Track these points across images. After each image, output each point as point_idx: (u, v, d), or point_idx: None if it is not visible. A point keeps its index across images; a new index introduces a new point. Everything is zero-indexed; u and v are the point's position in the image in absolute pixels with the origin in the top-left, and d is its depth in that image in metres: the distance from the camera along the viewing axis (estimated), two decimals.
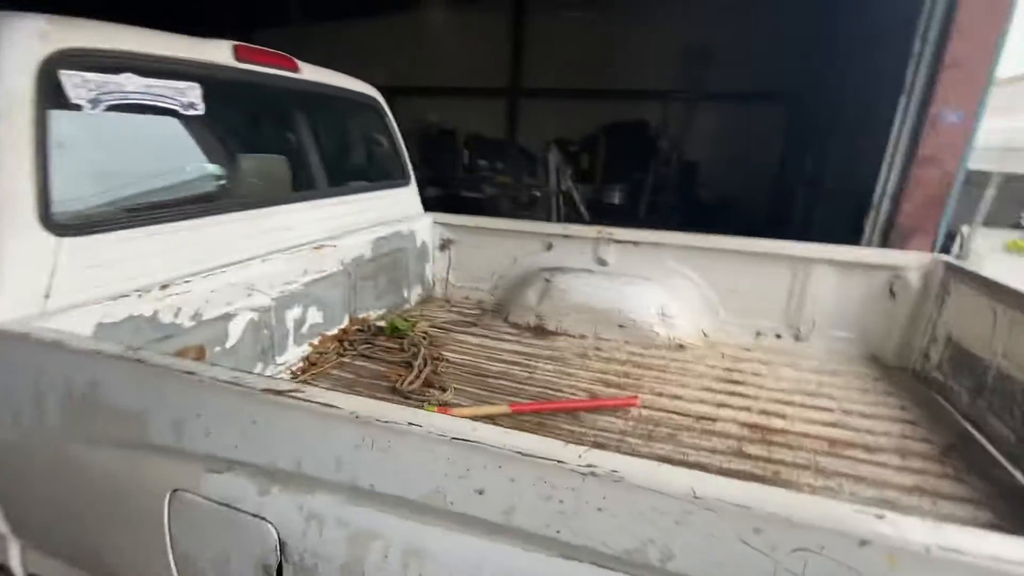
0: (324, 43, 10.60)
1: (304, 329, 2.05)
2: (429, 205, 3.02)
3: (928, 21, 3.06)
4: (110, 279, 1.34)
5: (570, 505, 0.67)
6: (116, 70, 1.38)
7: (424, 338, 2.35)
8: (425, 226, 2.83)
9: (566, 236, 2.69)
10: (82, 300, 1.26)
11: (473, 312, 2.78)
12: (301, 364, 2.03)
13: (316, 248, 2.06)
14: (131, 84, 1.40)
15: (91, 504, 1.01)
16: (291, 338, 1.98)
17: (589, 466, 0.67)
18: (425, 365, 2.11)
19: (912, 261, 2.19)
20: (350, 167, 2.53)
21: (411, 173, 2.82)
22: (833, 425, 1.80)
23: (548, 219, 6.55)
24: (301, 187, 2.18)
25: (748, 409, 1.88)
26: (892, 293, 2.24)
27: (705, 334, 2.47)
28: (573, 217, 6.80)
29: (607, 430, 1.73)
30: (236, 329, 1.70)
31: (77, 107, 1.28)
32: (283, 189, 2.10)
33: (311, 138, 2.29)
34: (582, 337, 2.46)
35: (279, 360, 1.92)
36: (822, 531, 0.59)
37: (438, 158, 9.53)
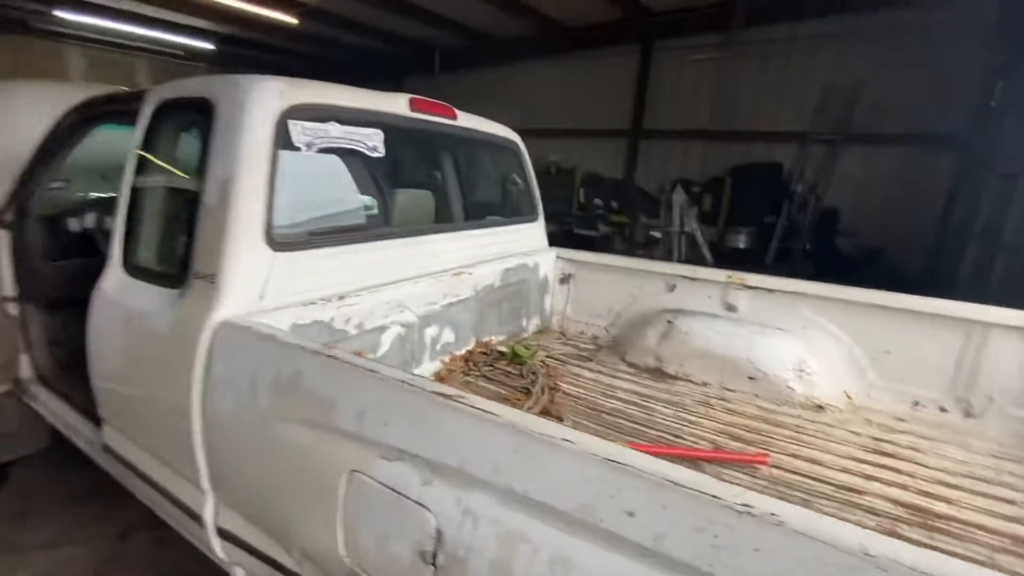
0: (460, 90, 11.69)
1: (438, 346, 2.25)
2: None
3: None
4: (303, 288, 1.63)
5: (725, 540, 0.68)
6: (324, 119, 1.71)
7: (543, 367, 2.43)
8: (548, 260, 2.95)
9: (692, 279, 2.64)
10: (284, 303, 1.54)
11: (588, 347, 2.82)
12: (432, 378, 2.22)
13: (455, 274, 2.27)
14: (335, 131, 1.71)
15: (281, 473, 1.21)
16: (427, 353, 2.18)
17: (745, 505, 0.68)
18: (543, 393, 2.18)
19: None
20: (488, 202, 2.76)
21: (540, 210, 2.99)
22: (1018, 521, 1.52)
23: (668, 260, 6.41)
24: (445, 219, 2.44)
25: (903, 486, 1.67)
26: None
27: (849, 397, 2.24)
28: (695, 259, 6.57)
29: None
30: (387, 340, 1.92)
31: (297, 149, 1.61)
32: (430, 220, 2.37)
33: (457, 176, 2.57)
34: (705, 385, 2.37)
35: (416, 372, 2.13)
36: None
37: (554, 196, 9.87)
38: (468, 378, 2.31)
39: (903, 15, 6.57)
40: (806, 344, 2.31)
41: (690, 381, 2.41)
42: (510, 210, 2.82)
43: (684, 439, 1.93)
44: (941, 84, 6.40)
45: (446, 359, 2.33)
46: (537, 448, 0.84)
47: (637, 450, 1.76)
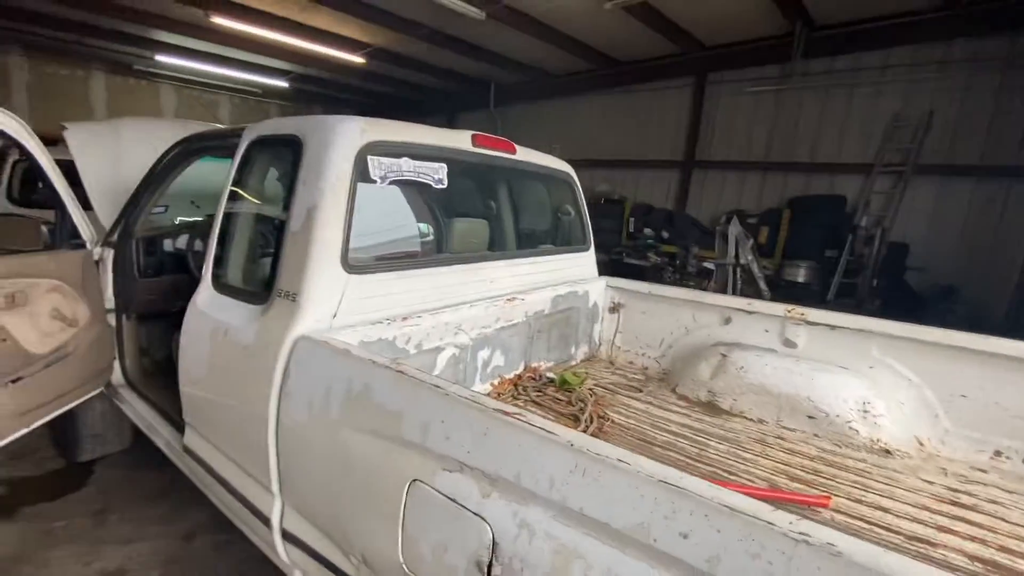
0: (513, 123, 12.11)
1: (489, 369, 2.32)
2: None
3: None
4: (370, 308, 1.75)
5: (780, 568, 0.69)
6: (398, 155, 1.86)
7: (591, 395, 2.45)
8: (598, 288, 2.99)
9: (748, 312, 2.60)
10: (354, 322, 1.66)
11: (638, 377, 2.80)
12: None
13: (508, 300, 2.35)
14: (406, 165, 1.86)
15: (347, 479, 1.30)
16: (479, 375, 2.26)
17: (802, 534, 0.69)
18: (591, 422, 2.19)
19: None
20: (541, 231, 2.85)
21: (591, 239, 3.05)
22: None
23: (722, 292, 6.26)
24: (500, 247, 2.54)
25: (982, 541, 1.55)
26: None
27: (921, 443, 2.11)
28: (751, 293, 6.38)
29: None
30: (442, 360, 2.02)
31: (373, 181, 1.76)
32: (485, 247, 2.47)
33: (512, 206, 2.67)
34: (761, 422, 2.30)
35: None
36: None
37: (603, 226, 9.91)
38: (517, 402, 2.35)
39: (978, 43, 6.29)
40: (871, 384, 2.20)
41: (745, 418, 2.34)
42: (562, 239, 2.90)
43: (738, 476, 1.88)
44: (1020, 114, 6.03)
45: (496, 381, 2.40)
46: (593, 467, 0.88)
47: None
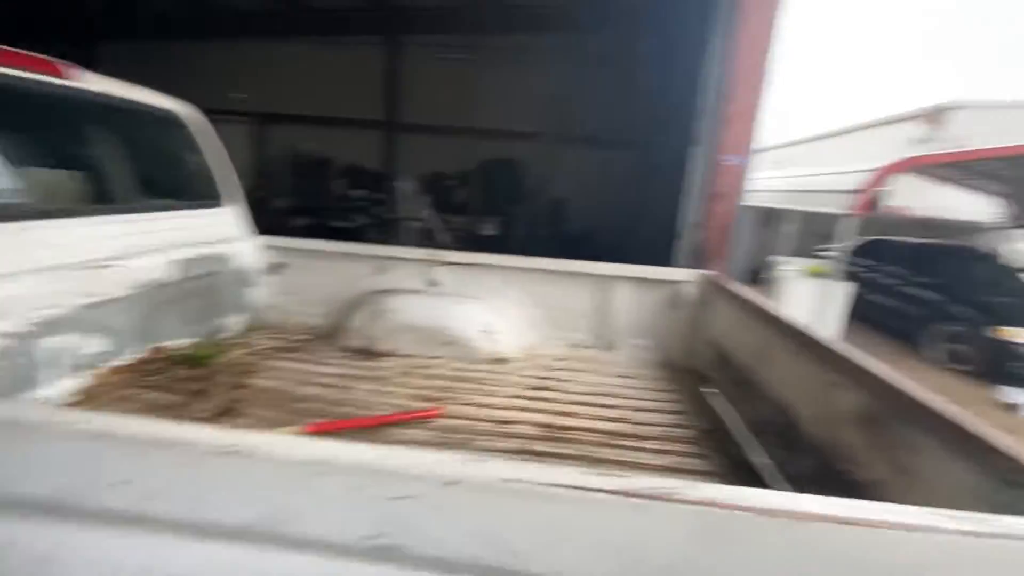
0: (178, 63, 9.92)
1: (79, 359, 1.84)
2: (296, 234, 2.94)
3: (708, 90, 3.75)
4: None
5: (192, 488, 0.68)
6: None
7: (233, 366, 2.22)
8: (247, 249, 2.71)
9: (399, 259, 2.75)
10: None
11: (303, 338, 2.69)
12: (75, 398, 1.81)
13: (95, 268, 1.88)
14: None
15: None
16: (56, 370, 1.76)
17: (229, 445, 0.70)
18: (226, 392, 1.99)
19: (687, 276, 2.58)
20: (145, 185, 2.31)
21: (230, 193, 2.69)
22: (616, 420, 2.01)
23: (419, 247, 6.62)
24: (78, 201, 1.98)
25: (545, 411, 2.04)
26: (674, 305, 2.60)
27: (527, 347, 2.65)
28: (439, 246, 6.93)
29: (404, 441, 1.76)
30: None
31: None
32: (50, 203, 1.89)
33: (89, 151, 2.09)
34: (411, 357, 2.50)
35: (37, 394, 1.70)
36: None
37: (310, 187, 9.25)
38: (130, 390, 1.95)
39: (606, 42, 8.07)
40: (493, 308, 2.63)
41: (398, 356, 2.51)
42: (182, 193, 2.45)
43: (375, 410, 1.99)
44: (627, 97, 8.11)
45: (99, 372, 1.93)
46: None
47: (315, 430, 1.75)
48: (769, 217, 9.49)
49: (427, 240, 6.89)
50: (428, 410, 1.90)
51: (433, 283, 2.71)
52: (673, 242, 4.05)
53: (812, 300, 5.95)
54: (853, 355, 1.31)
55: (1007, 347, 5.79)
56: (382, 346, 2.53)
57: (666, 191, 5.10)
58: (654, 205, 5.95)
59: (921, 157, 6.92)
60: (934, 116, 9.00)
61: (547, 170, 8.53)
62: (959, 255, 7.67)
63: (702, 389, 2.34)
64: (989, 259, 7.76)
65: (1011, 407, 5.44)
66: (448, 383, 2.25)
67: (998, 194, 8.35)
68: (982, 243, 8.85)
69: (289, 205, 8.95)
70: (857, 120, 11.46)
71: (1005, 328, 5.85)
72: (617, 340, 2.69)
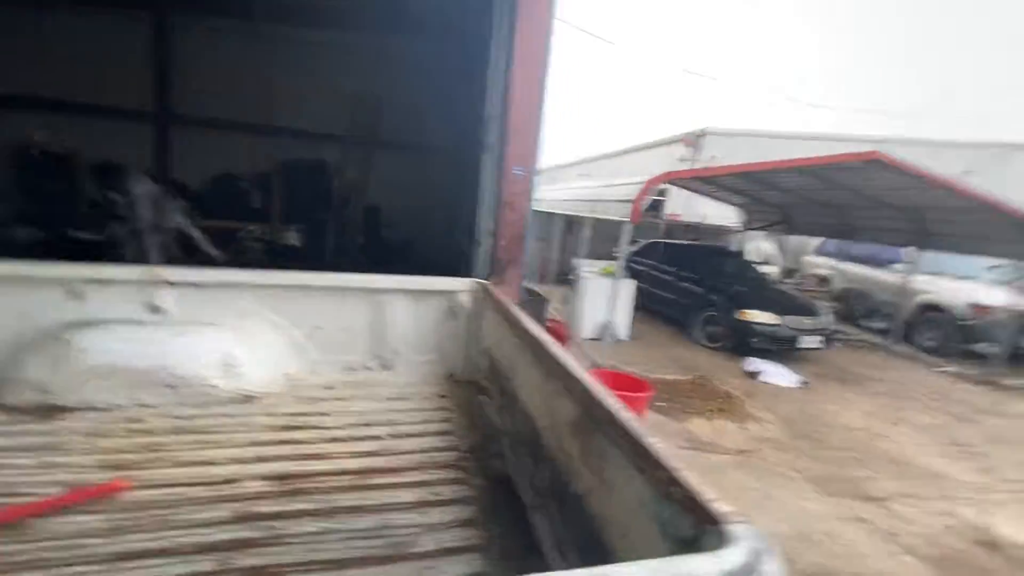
0: None
1: None
2: (13, 251, 2.03)
3: (494, 98, 3.80)
4: None
5: None
6: None
7: None
8: None
9: (103, 281, 2.13)
10: None
11: None
12: None
13: None
14: None
15: None
16: None
17: None
18: None
19: (461, 285, 2.49)
20: None
21: None
22: (371, 455, 1.77)
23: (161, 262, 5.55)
24: None
25: (288, 458, 1.71)
26: (453, 314, 2.50)
27: (287, 378, 2.27)
28: (206, 261, 5.96)
29: (59, 536, 1.28)
30: None
31: None
32: None
33: None
34: (111, 409, 1.92)
35: None
36: None
37: (45, 189, 7.22)
38: None
39: (408, 44, 7.84)
40: (238, 336, 2.19)
41: (94, 408, 1.91)
42: None
43: (36, 490, 1.43)
44: (442, 103, 8.04)
45: None
46: None
47: None
48: (571, 224, 10.42)
49: (188, 255, 5.85)
50: (108, 483, 1.43)
51: (155, 309, 2.15)
52: (474, 250, 4.02)
53: (606, 296, 6.63)
54: (567, 363, 1.28)
55: (748, 326, 7.25)
56: (68, 399, 1.90)
57: (469, 199, 5.12)
58: (460, 213, 5.97)
59: (674, 172, 8.30)
60: (692, 139, 10.89)
61: (358, 175, 8.00)
62: (714, 253, 9.52)
63: (481, 399, 2.25)
64: (735, 256, 9.79)
65: (752, 374, 6.74)
66: (157, 439, 1.76)
67: (738, 204, 10.46)
68: (730, 243, 11.08)
69: (9, 210, 6.84)
70: (643, 140, 13.38)
71: (747, 311, 7.31)
72: (395, 358, 2.48)
